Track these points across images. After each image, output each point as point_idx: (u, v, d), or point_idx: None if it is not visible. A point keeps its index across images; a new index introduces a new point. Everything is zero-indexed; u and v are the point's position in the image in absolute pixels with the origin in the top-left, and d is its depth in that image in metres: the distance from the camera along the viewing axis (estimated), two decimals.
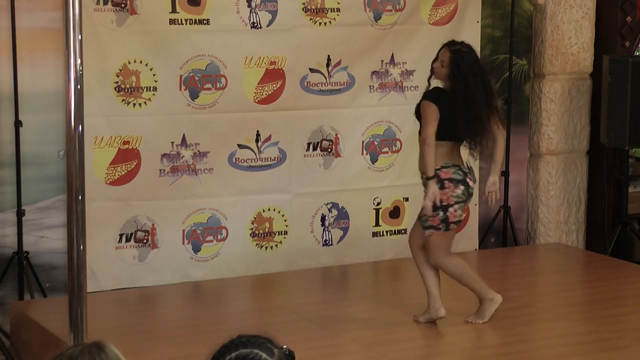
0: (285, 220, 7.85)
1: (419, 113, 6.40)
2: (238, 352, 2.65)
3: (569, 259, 8.44)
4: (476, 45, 8.26)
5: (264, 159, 7.73)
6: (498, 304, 6.50)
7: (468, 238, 8.46)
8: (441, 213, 6.31)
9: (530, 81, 8.77)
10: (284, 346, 2.76)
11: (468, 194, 6.38)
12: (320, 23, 7.80)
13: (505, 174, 8.52)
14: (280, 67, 7.69)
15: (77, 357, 2.65)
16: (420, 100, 6.42)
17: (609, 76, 8.28)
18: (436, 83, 6.49)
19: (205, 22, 7.44)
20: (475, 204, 8.45)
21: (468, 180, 6.36)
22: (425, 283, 6.56)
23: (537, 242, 8.74)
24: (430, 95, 6.38)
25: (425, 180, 6.30)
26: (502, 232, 8.61)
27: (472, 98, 6.29)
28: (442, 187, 6.28)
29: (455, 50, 6.41)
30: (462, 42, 6.53)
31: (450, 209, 6.31)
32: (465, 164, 6.42)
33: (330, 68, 7.87)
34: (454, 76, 6.34)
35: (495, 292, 6.52)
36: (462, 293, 6.69)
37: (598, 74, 8.62)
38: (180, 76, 7.39)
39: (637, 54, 8.93)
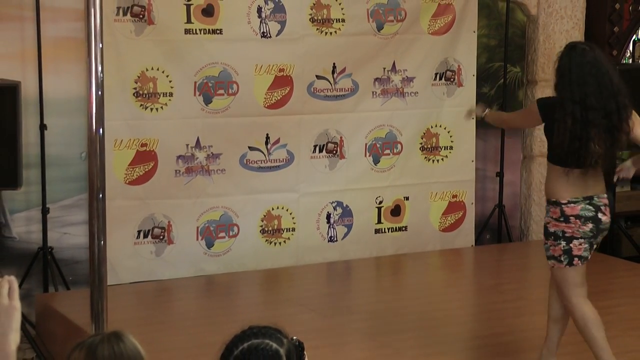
0: (293, 218, 7.84)
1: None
2: (250, 343, 2.66)
3: None
4: (472, 54, 8.31)
5: (273, 161, 7.73)
6: None
7: (465, 235, 8.45)
8: (563, 243, 5.30)
9: (523, 87, 8.75)
10: (294, 337, 2.75)
11: (598, 230, 5.29)
12: (326, 33, 7.79)
13: (499, 174, 8.52)
14: (288, 74, 7.69)
15: (97, 345, 2.65)
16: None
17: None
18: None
19: (218, 31, 7.43)
20: (472, 203, 8.44)
21: (600, 215, 5.29)
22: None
23: (529, 238, 8.73)
24: (543, 101, 5.55)
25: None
26: (497, 229, 8.60)
27: (575, 109, 5.18)
28: (566, 222, 5.26)
29: (567, 48, 5.37)
30: (583, 43, 5.54)
31: (575, 242, 5.27)
32: (601, 193, 5.32)
33: (335, 75, 7.86)
34: (559, 77, 5.34)
35: None
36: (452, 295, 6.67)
37: None
38: (195, 82, 7.39)
39: (624, 62, 8.92)
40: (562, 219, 5.29)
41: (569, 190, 5.27)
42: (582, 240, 5.27)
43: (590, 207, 5.26)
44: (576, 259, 5.30)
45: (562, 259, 5.32)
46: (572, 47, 5.37)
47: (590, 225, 5.26)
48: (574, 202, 5.26)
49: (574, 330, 5.53)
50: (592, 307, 5.39)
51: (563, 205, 5.27)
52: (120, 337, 2.68)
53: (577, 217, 5.25)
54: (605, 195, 5.35)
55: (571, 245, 5.28)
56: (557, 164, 5.32)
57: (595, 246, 5.38)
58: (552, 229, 5.33)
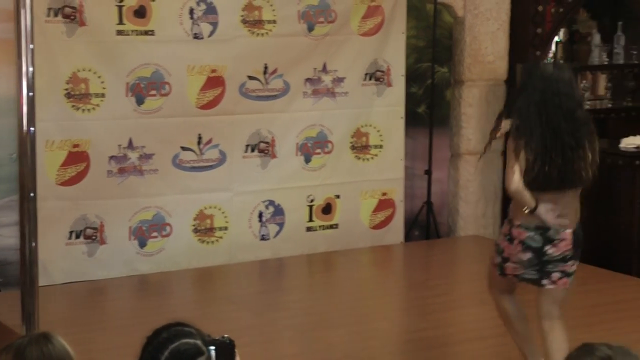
0: (225, 217, 7.79)
1: None
2: (170, 350, 2.61)
3: (486, 250, 8.39)
4: (401, 54, 8.32)
5: (205, 160, 7.67)
6: None
7: (394, 232, 8.46)
8: (499, 259, 5.23)
9: (450, 87, 8.79)
10: (225, 335, 2.72)
11: (537, 262, 5.10)
12: (257, 34, 7.75)
13: (428, 172, 8.54)
14: (220, 75, 7.64)
15: (25, 347, 2.61)
16: None
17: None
18: None
19: (150, 32, 7.36)
20: (401, 201, 8.46)
21: (546, 248, 5.08)
22: None
23: (457, 234, 8.77)
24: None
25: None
26: (426, 226, 8.62)
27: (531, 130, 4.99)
28: (510, 242, 5.14)
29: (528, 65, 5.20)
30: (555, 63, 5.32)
31: (509, 264, 5.18)
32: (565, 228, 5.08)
33: (267, 75, 7.83)
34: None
35: (538, 357, 5.40)
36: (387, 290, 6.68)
37: (512, 80, 8.67)
38: (127, 83, 7.31)
39: (547, 62, 8.99)
40: (508, 238, 5.19)
41: (524, 216, 5.08)
42: (516, 265, 5.17)
43: (539, 238, 5.09)
44: (509, 274, 5.23)
45: (497, 268, 5.28)
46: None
47: (529, 256, 5.11)
48: (524, 228, 5.11)
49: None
50: (512, 302, 5.37)
51: (513, 227, 5.16)
52: (48, 339, 2.64)
53: (521, 242, 5.12)
54: (569, 231, 5.10)
55: (505, 265, 5.22)
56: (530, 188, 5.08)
57: (548, 273, 5.13)
58: (498, 241, 5.29)
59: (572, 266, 5.20)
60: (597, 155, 5.11)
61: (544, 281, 5.16)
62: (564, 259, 5.14)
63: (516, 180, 5.04)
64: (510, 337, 5.48)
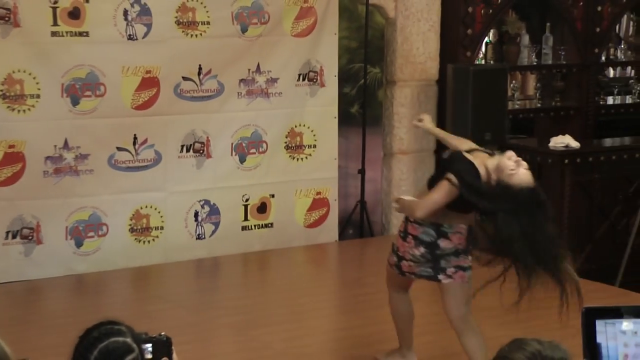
0: (161, 217, 7.81)
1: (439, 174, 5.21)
2: (98, 349, 2.63)
3: None
4: (334, 55, 8.39)
5: (141, 160, 7.68)
6: None
7: (328, 230, 8.53)
8: (395, 258, 5.38)
9: (383, 87, 8.87)
10: (162, 333, 2.74)
11: (431, 257, 5.23)
12: (191, 35, 7.77)
13: (361, 171, 8.61)
14: (155, 76, 7.65)
15: None
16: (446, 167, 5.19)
17: (453, 82, 8.42)
18: None
19: (84, 34, 7.35)
20: (335, 200, 8.52)
21: (439, 242, 5.22)
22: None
23: (390, 233, 8.82)
24: (459, 175, 5.03)
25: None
26: (359, 224, 8.69)
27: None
28: (404, 240, 5.28)
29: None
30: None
31: (404, 262, 5.31)
32: (459, 223, 5.22)
33: (201, 76, 7.85)
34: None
35: (412, 354, 5.66)
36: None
37: (443, 80, 8.76)
38: (62, 84, 7.30)
39: (477, 62, 9.11)
40: (402, 235, 5.31)
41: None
42: (411, 263, 5.29)
43: (432, 232, 5.20)
44: (407, 273, 5.36)
45: (395, 267, 5.41)
46: None
47: (422, 250, 5.23)
48: (419, 224, 5.22)
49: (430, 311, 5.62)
50: (406, 300, 5.57)
51: (408, 224, 5.28)
52: None
53: (414, 237, 5.25)
54: (463, 225, 5.23)
55: (400, 263, 5.35)
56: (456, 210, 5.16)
57: (443, 268, 5.25)
58: (394, 240, 5.44)
59: (465, 260, 5.28)
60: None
61: (440, 276, 5.27)
62: (456, 253, 5.23)
63: (428, 212, 5.10)
64: (398, 331, 5.67)
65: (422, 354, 5.80)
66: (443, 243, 5.22)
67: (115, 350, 2.61)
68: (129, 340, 2.64)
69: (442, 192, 5.04)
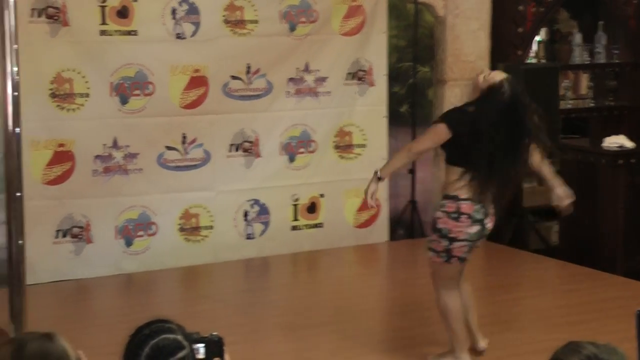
0: (210, 216, 7.80)
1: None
2: (150, 346, 2.64)
3: None
4: (383, 54, 8.34)
5: (190, 160, 7.68)
6: None
7: (379, 230, 8.48)
8: (446, 242, 5.41)
9: (432, 86, 8.81)
10: (214, 333, 2.73)
11: (481, 235, 5.44)
12: (240, 34, 7.76)
13: (412, 171, 8.55)
14: (203, 75, 7.64)
15: (26, 342, 2.65)
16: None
17: None
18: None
19: (133, 33, 7.37)
20: (385, 200, 8.47)
21: (487, 221, 5.43)
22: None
23: None
24: (447, 116, 5.50)
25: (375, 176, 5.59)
26: (410, 224, 8.64)
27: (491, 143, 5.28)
28: (457, 220, 5.35)
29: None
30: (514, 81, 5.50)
31: (457, 244, 5.38)
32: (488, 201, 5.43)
33: (249, 75, 7.83)
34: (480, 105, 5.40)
35: (467, 355, 5.62)
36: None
37: None
38: (111, 83, 7.32)
39: (528, 61, 9.02)
40: (454, 216, 5.35)
41: (467, 190, 5.34)
42: (463, 243, 5.38)
43: (483, 211, 5.37)
44: (455, 258, 5.42)
45: (442, 255, 5.43)
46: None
47: (476, 228, 5.37)
48: (472, 201, 5.34)
49: (486, 312, 5.56)
50: (457, 301, 5.54)
51: (461, 201, 5.35)
52: (50, 338, 2.68)
53: (469, 217, 5.34)
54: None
55: (451, 246, 5.38)
56: (460, 165, 5.39)
57: (476, 246, 5.49)
58: (439, 226, 5.41)
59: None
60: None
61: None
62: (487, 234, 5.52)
63: (416, 153, 5.71)
64: (447, 333, 5.63)
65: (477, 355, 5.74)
66: (489, 223, 5.43)
67: (166, 347, 2.62)
68: (179, 337, 2.64)
69: (429, 134, 5.53)
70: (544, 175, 5.68)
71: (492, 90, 5.34)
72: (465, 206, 5.34)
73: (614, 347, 2.62)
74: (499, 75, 5.42)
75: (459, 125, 5.35)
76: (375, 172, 5.64)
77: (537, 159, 5.58)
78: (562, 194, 5.67)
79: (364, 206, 8.35)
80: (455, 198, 5.36)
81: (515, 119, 5.32)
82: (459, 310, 5.56)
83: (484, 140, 5.27)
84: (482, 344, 5.78)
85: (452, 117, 5.45)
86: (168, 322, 2.71)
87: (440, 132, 5.39)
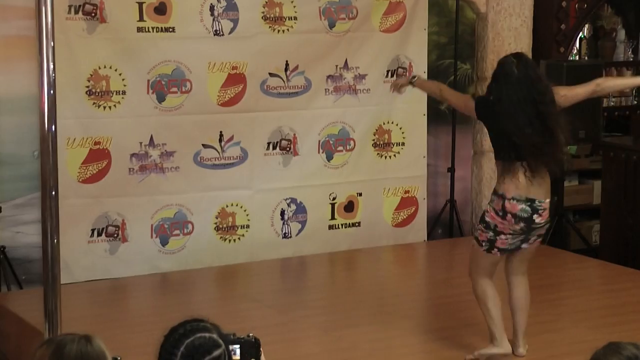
0: (247, 215, 7.78)
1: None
2: (185, 345, 2.64)
3: None
4: (423, 51, 8.29)
5: (227, 158, 7.66)
6: (500, 352, 5.71)
7: (417, 230, 8.43)
8: (491, 234, 5.56)
9: (473, 84, 8.75)
10: (250, 333, 2.74)
11: (529, 229, 5.53)
12: (278, 30, 7.73)
13: (451, 170, 8.50)
14: (241, 72, 7.63)
15: (65, 344, 2.70)
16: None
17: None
18: None
19: (171, 29, 7.36)
20: (424, 199, 8.43)
21: (535, 217, 5.50)
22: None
23: None
24: (478, 96, 5.82)
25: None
26: (449, 224, 8.59)
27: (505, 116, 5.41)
28: (503, 217, 5.48)
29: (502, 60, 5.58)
30: (518, 54, 5.64)
31: (502, 236, 5.54)
32: (544, 198, 5.51)
33: (288, 72, 7.81)
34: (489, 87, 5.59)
35: (505, 341, 5.70)
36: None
37: None
38: (148, 80, 7.31)
39: (571, 58, 8.94)
40: (500, 214, 5.51)
41: (514, 189, 5.47)
42: (509, 236, 5.56)
43: (528, 209, 5.48)
44: (496, 249, 5.60)
45: (484, 244, 5.61)
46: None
47: (521, 225, 5.51)
48: (517, 201, 5.47)
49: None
50: (493, 286, 5.73)
51: (506, 200, 5.48)
52: (89, 340, 2.75)
53: (514, 215, 5.48)
54: (548, 200, 5.56)
55: (497, 238, 5.56)
56: (498, 158, 5.60)
57: (528, 238, 5.60)
58: (487, 219, 5.59)
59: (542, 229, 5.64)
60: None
61: (524, 245, 5.64)
62: (545, 225, 5.61)
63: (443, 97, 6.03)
64: (485, 318, 5.76)
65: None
66: (538, 219, 5.51)
67: (202, 346, 2.64)
68: (215, 336, 2.66)
69: (461, 96, 5.94)
70: (586, 92, 5.76)
71: (498, 69, 5.52)
72: (510, 206, 5.47)
73: None
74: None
75: (481, 108, 5.59)
76: (414, 76, 6.19)
77: (568, 92, 5.67)
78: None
79: (402, 205, 8.33)
80: (502, 197, 5.49)
81: (529, 91, 5.39)
82: (495, 296, 5.70)
83: (502, 121, 5.40)
84: (522, 350, 5.77)
85: (479, 99, 5.70)
86: (203, 321, 2.73)
87: (468, 103, 5.71)
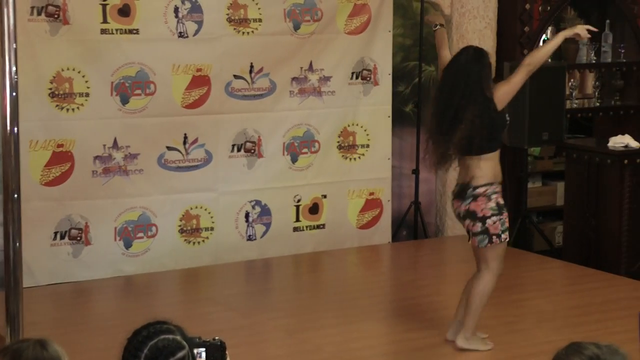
0: (211, 217, 7.77)
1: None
2: (149, 347, 2.63)
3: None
4: (388, 53, 8.32)
5: (191, 160, 7.65)
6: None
7: (382, 232, 8.45)
8: (479, 225, 5.78)
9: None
10: (216, 337, 2.74)
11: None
12: (243, 32, 7.73)
13: (415, 172, 8.53)
14: (206, 74, 7.62)
15: (22, 351, 2.68)
16: None
17: None
18: None
19: (135, 31, 7.34)
20: (388, 200, 8.45)
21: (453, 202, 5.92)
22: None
23: (445, 234, 8.76)
24: None
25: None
26: (413, 226, 8.61)
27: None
28: (474, 200, 5.73)
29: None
30: (473, 47, 5.96)
31: (489, 221, 5.74)
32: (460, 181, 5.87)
33: (253, 74, 7.81)
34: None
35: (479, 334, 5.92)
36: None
37: (500, 79, 8.63)
38: (112, 82, 7.29)
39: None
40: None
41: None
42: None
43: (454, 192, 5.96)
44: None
45: (506, 231, 5.81)
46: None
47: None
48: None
49: (489, 314, 5.53)
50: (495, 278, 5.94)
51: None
52: (44, 345, 2.71)
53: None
54: (458, 185, 5.88)
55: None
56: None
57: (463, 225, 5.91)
58: (499, 201, 5.79)
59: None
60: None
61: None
62: (461, 217, 5.98)
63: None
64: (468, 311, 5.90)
65: None
66: (454, 206, 5.96)
67: (165, 348, 2.63)
68: (178, 337, 2.66)
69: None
70: (521, 77, 5.90)
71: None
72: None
73: (616, 348, 2.63)
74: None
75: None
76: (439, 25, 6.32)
77: (507, 87, 5.83)
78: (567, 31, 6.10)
79: (367, 207, 8.35)
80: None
81: (458, 81, 5.66)
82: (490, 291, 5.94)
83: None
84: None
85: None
86: (166, 323, 2.72)
87: None
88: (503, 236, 5.76)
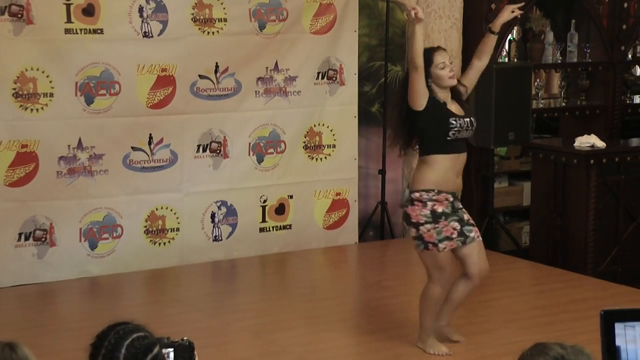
0: (177, 218, 7.78)
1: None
2: (125, 347, 2.64)
3: None
4: (354, 53, 8.35)
5: (156, 161, 7.65)
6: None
7: (348, 232, 8.49)
8: (414, 230, 5.71)
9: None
10: (185, 337, 2.74)
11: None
12: (208, 32, 7.74)
13: (382, 172, 8.56)
14: (171, 74, 7.62)
15: None
16: None
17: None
18: None
19: (99, 31, 7.33)
20: (355, 200, 8.48)
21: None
22: None
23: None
24: None
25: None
26: (380, 226, 8.65)
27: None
28: (411, 204, 5.67)
29: None
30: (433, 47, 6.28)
31: (422, 228, 5.64)
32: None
33: (218, 74, 7.82)
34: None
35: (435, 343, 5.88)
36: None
37: None
38: (76, 83, 7.28)
39: (500, 60, 9.05)
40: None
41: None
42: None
43: None
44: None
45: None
46: None
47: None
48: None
49: (456, 314, 5.56)
50: (439, 287, 5.84)
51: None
52: (13, 347, 2.70)
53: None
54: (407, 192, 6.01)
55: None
56: None
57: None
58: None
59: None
60: None
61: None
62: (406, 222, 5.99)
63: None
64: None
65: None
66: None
67: (142, 345, 2.67)
68: (148, 334, 2.65)
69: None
70: (474, 72, 6.20)
71: None
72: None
73: (580, 348, 2.65)
74: None
75: None
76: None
77: (466, 82, 6.11)
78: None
79: (333, 207, 8.38)
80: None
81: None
82: (438, 300, 5.89)
83: None
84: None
85: None
86: (129, 323, 2.72)
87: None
88: (441, 246, 5.63)
